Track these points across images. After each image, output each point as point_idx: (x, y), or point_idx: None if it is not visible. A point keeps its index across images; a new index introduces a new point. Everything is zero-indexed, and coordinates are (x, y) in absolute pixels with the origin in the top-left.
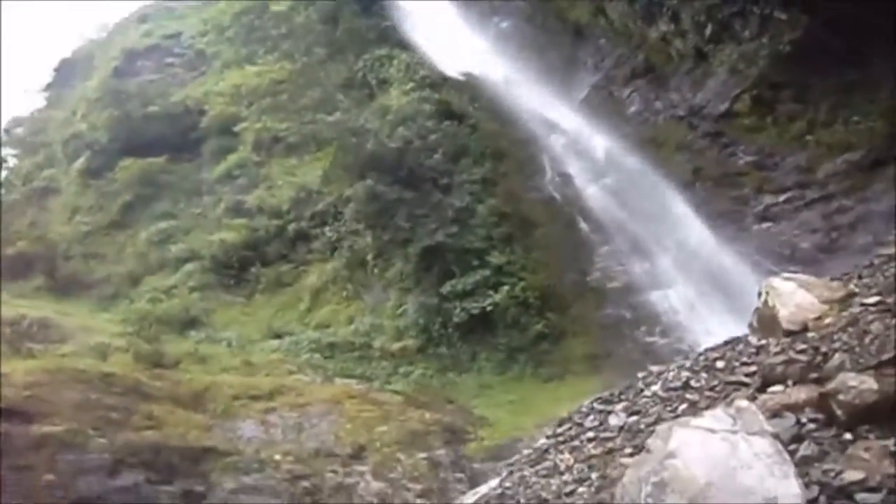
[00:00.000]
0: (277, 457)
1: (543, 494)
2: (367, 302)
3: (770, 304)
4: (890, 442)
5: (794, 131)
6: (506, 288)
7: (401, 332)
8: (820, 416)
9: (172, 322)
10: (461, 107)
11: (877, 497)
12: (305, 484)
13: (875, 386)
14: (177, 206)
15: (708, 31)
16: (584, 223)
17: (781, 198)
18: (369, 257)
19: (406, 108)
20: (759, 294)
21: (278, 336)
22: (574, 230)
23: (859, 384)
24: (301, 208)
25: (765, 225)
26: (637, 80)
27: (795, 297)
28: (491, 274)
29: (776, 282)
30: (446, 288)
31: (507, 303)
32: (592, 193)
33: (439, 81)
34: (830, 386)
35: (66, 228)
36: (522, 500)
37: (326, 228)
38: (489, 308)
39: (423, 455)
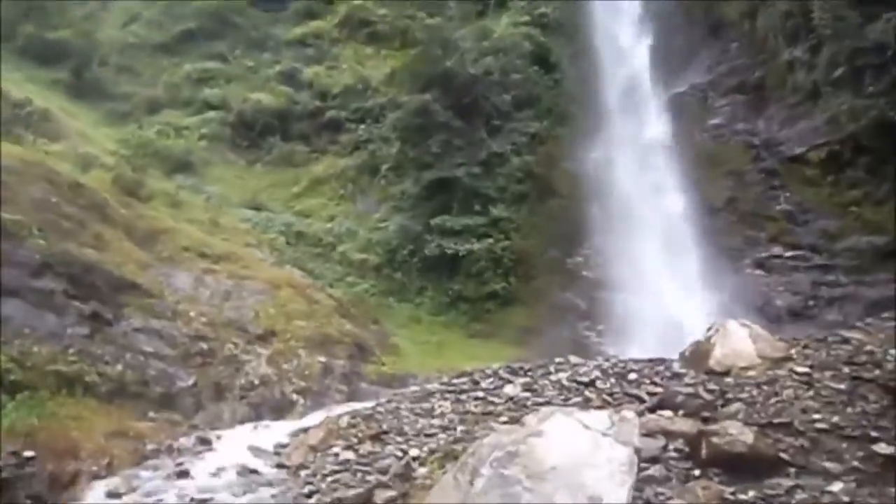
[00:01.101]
0: (192, 313)
1: (406, 428)
2: (357, 208)
3: (711, 340)
4: (728, 489)
5: (845, 198)
6: (489, 241)
7: (370, 245)
8: (686, 448)
9: (167, 160)
10: (558, 58)
11: None
12: (203, 346)
13: (750, 440)
14: (234, 51)
15: (838, 72)
16: (595, 209)
17: (788, 253)
18: (384, 167)
19: (506, 40)
20: (709, 329)
21: (257, 208)
22: (584, 213)
23: (737, 434)
24: (349, 99)
25: (756, 272)
26: (737, 95)
27: (739, 342)
28: (485, 224)
29: (731, 323)
30: (436, 220)
31: (482, 255)
32: (623, 187)
33: (553, 25)
34: (713, 427)
35: (116, 33)
36: (385, 426)
37: (362, 126)
38: (462, 254)
39: (322, 359)
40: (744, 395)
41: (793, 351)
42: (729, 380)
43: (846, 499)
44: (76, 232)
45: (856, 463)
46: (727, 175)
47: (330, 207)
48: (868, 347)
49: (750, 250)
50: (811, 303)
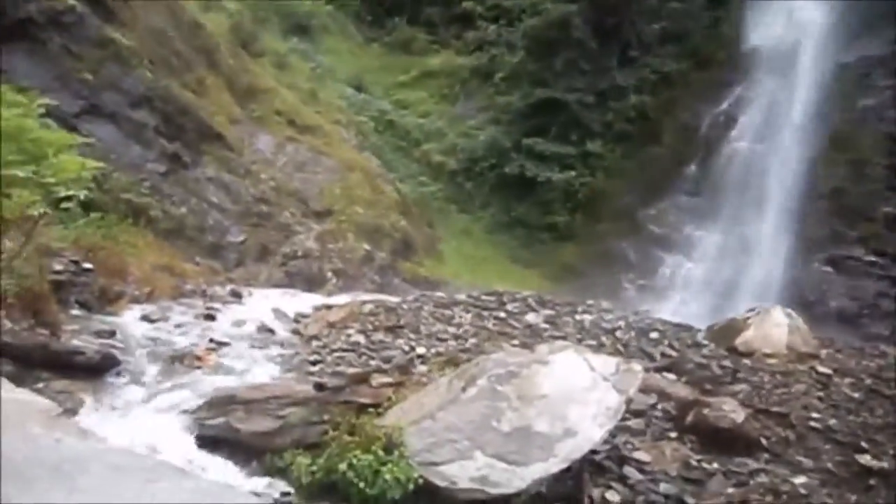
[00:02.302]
0: (263, 176)
1: (421, 328)
2: (454, 110)
3: (748, 321)
4: (695, 456)
5: None
6: (572, 173)
7: (452, 150)
8: (674, 412)
9: (287, 19)
10: None
11: (638, 476)
12: (263, 208)
13: (739, 420)
14: None
15: None
16: (693, 169)
17: (868, 258)
18: (499, 75)
19: None
20: (750, 309)
21: (358, 88)
22: (679, 169)
23: (729, 410)
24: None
25: (825, 268)
26: None
27: (773, 329)
28: (575, 155)
29: (776, 310)
30: (531, 139)
31: (559, 184)
32: (730, 151)
33: None
34: (709, 399)
35: None
36: (402, 321)
37: (493, 26)
38: (541, 180)
39: (367, 247)
40: (754, 379)
41: (823, 351)
42: (747, 362)
43: (803, 492)
44: (182, 71)
45: (830, 465)
46: (848, 163)
47: (428, 104)
48: None
49: (830, 246)
50: (865, 311)
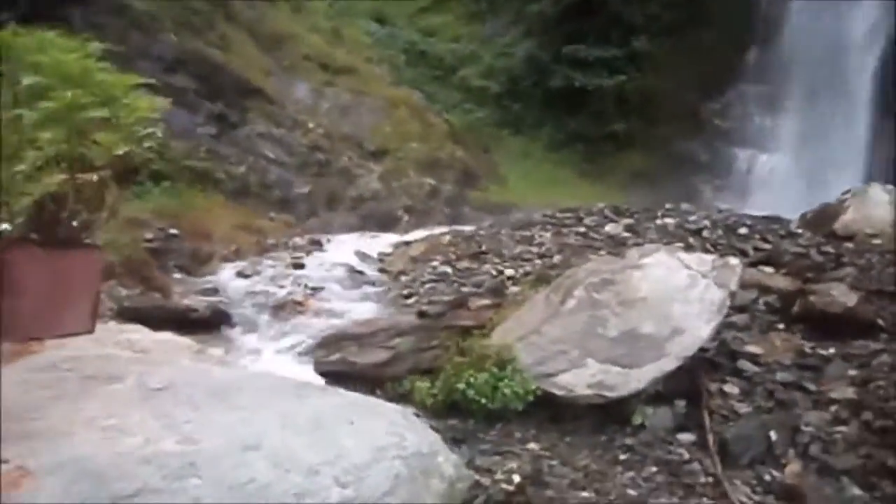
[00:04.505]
0: (311, 125)
1: (504, 251)
2: (484, 30)
3: (845, 204)
4: (808, 343)
5: None
6: (622, 77)
7: (492, 72)
8: (778, 304)
9: None
10: None
11: (753, 368)
12: (320, 156)
13: (851, 303)
14: None
15: None
16: (752, 51)
17: None
18: None
19: None
20: (845, 192)
21: (380, 21)
22: (740, 53)
23: (839, 295)
24: None
25: None
26: None
27: (875, 208)
28: (621, 57)
29: (874, 187)
30: (568, 49)
31: (610, 91)
32: (799, 31)
33: None
34: (814, 286)
35: None
36: (484, 246)
37: None
38: (590, 88)
39: (431, 181)
40: (861, 261)
41: None
42: (849, 245)
43: None
44: (204, 30)
45: None
46: None
47: (456, 27)
48: None
49: None
50: None
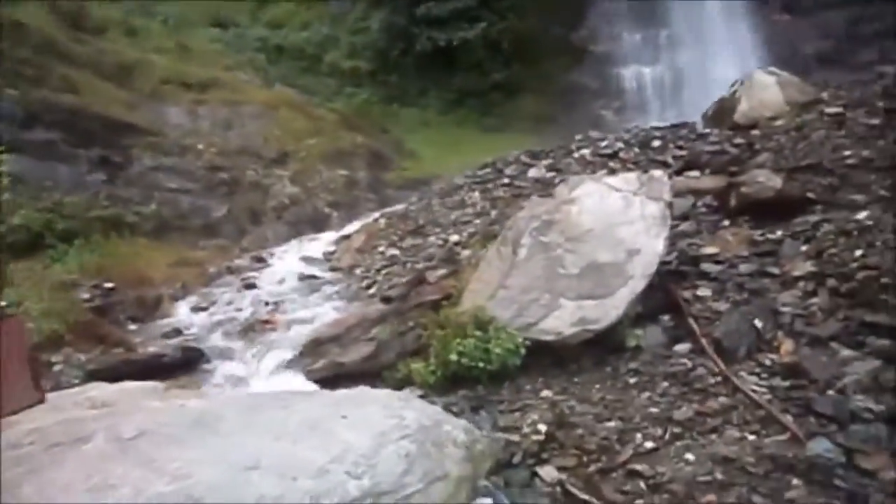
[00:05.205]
0: (200, 146)
1: (441, 220)
2: (330, 9)
3: (737, 95)
4: (756, 232)
5: None
6: (483, 25)
7: (356, 51)
8: (715, 203)
9: None
10: None
11: (717, 268)
12: (224, 176)
13: (779, 185)
14: None
15: None
16: None
17: None
18: None
19: None
20: (733, 84)
21: (221, 25)
22: None
23: (765, 180)
24: None
25: (784, 17)
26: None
27: (766, 92)
28: (474, 5)
29: (757, 73)
30: (421, 10)
31: (478, 42)
32: None
33: None
34: (741, 178)
35: None
36: (421, 221)
37: None
38: (456, 43)
39: (343, 172)
40: (771, 144)
41: (824, 94)
42: (756, 132)
43: (870, 223)
44: (43, 77)
45: (882, 192)
46: None
47: (300, 13)
48: None
49: None
50: (843, 44)
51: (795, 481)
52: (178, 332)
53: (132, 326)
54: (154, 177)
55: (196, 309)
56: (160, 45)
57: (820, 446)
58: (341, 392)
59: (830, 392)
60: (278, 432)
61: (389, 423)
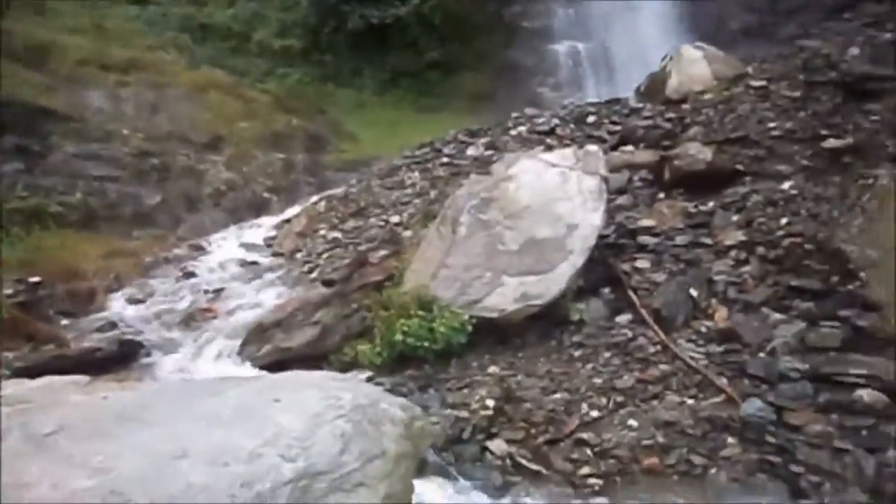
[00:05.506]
0: (126, 131)
1: (382, 201)
2: None
3: (667, 69)
4: (690, 204)
5: None
6: (415, 2)
7: (287, 29)
8: (650, 177)
9: None
10: None
11: (654, 240)
12: (154, 162)
13: (709, 157)
14: None
15: None
16: None
17: None
18: None
19: None
20: (663, 59)
21: (140, 2)
22: None
23: (696, 153)
24: None
25: None
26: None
27: (694, 67)
28: None
29: (685, 48)
30: None
31: (411, 19)
32: None
33: None
34: (673, 152)
35: None
36: (361, 202)
37: None
38: (389, 20)
39: (280, 155)
40: (701, 118)
41: (749, 68)
42: (686, 106)
43: (795, 192)
44: None
45: (805, 162)
46: None
47: None
48: (825, 51)
49: None
50: (768, 18)
51: (731, 440)
52: (113, 325)
53: (64, 321)
54: (77, 164)
55: (132, 301)
56: (74, 25)
57: (752, 406)
58: (275, 376)
59: (761, 354)
60: (209, 420)
61: (324, 405)
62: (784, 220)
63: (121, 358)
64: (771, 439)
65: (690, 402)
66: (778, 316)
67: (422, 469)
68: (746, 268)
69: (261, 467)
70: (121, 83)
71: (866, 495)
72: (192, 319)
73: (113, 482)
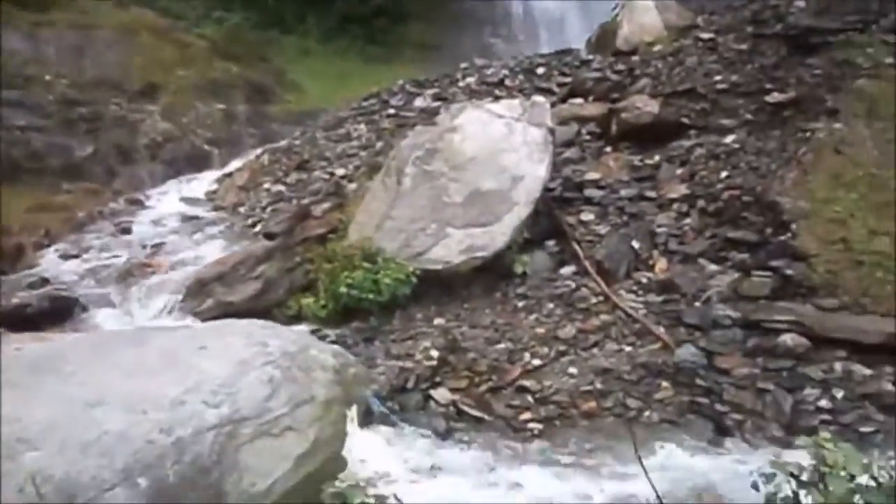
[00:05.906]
0: (48, 77)
1: (327, 154)
2: None
3: (618, 19)
4: (636, 157)
5: None
6: None
7: None
8: (598, 130)
9: None
10: None
11: (599, 193)
12: (82, 111)
13: (655, 110)
14: None
15: None
16: None
17: None
18: None
19: None
20: (614, 8)
21: None
22: None
23: (643, 106)
24: None
25: None
26: None
27: (645, 16)
28: None
29: None
30: None
31: None
32: None
33: None
34: (621, 104)
35: None
36: (306, 156)
37: None
38: None
39: (220, 106)
40: (650, 70)
41: (699, 19)
42: (636, 58)
43: (737, 146)
44: None
45: (749, 116)
46: None
47: None
48: (773, 3)
49: None
50: None
51: (664, 384)
52: (45, 281)
53: None
54: None
55: (65, 256)
56: None
57: (686, 352)
58: (203, 325)
59: (697, 304)
60: (130, 368)
61: (251, 351)
62: (724, 174)
63: (54, 315)
64: (701, 382)
65: (628, 349)
66: (714, 267)
67: (367, 418)
68: (687, 220)
69: (182, 414)
70: (39, 23)
71: (783, 430)
72: (129, 275)
73: (22, 431)
